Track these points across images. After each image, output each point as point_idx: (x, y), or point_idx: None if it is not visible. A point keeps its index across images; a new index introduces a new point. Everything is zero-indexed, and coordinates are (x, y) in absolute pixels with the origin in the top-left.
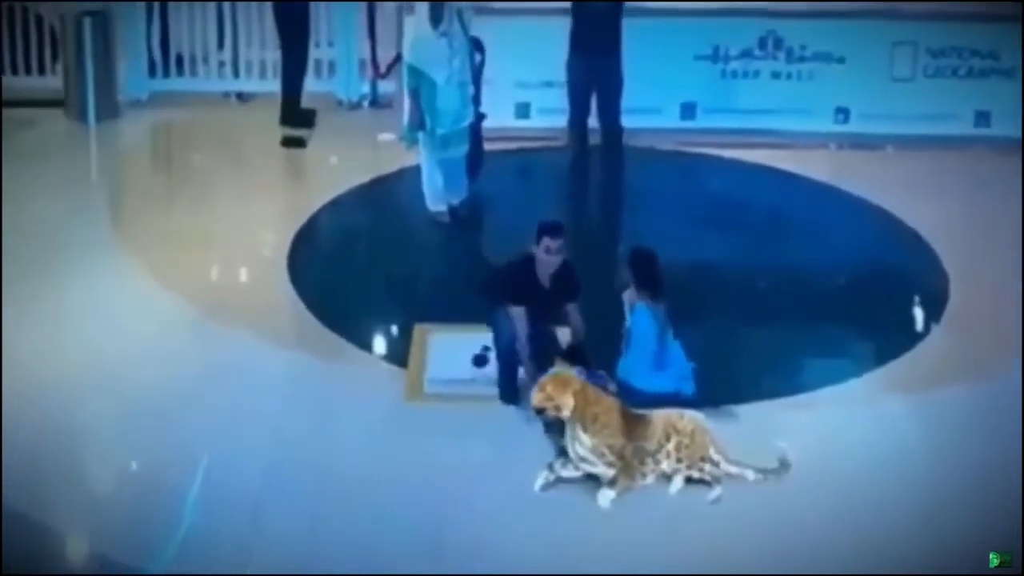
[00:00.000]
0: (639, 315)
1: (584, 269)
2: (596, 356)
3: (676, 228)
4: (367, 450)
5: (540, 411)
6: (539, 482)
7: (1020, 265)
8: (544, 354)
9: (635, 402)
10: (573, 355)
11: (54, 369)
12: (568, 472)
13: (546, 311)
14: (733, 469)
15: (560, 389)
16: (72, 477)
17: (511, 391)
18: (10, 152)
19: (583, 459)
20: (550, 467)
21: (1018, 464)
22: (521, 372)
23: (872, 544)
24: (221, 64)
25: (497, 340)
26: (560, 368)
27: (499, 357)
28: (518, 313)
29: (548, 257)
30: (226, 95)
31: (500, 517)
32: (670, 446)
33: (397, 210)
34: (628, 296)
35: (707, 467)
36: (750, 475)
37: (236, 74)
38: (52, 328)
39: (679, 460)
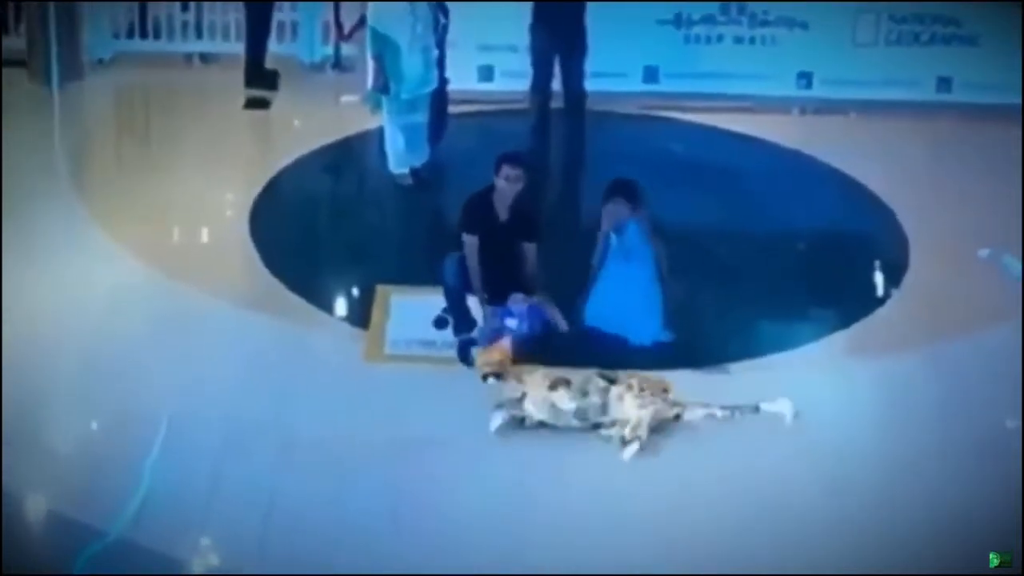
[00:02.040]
0: (631, 233)
1: (546, 231)
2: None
3: None
4: (327, 410)
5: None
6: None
7: (979, 230)
8: (497, 284)
9: (605, 351)
10: (523, 285)
11: (15, 331)
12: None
13: (503, 244)
14: (701, 410)
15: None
16: (32, 437)
17: (465, 321)
18: None
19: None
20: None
21: (986, 436)
22: (472, 303)
23: (841, 520)
24: (185, 25)
25: (444, 275)
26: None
27: (445, 288)
28: (471, 241)
29: (507, 185)
30: (189, 56)
31: (459, 477)
32: (632, 381)
33: (359, 172)
34: (610, 217)
35: (670, 397)
36: (718, 412)
37: (200, 35)
38: (13, 290)
39: (642, 389)
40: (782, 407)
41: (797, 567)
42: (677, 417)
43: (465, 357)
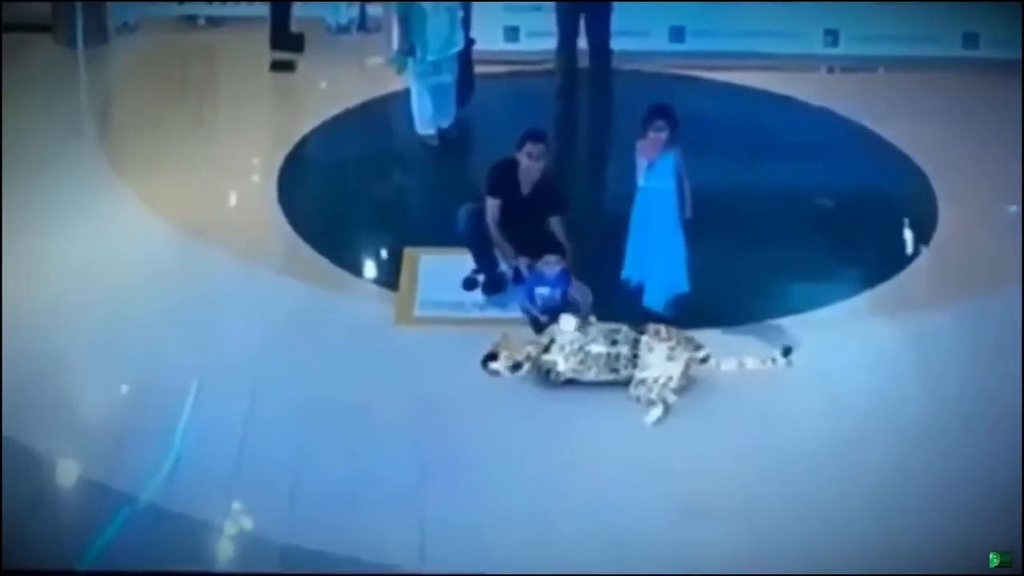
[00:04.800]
0: (665, 165)
1: (572, 190)
2: (584, 273)
3: None
4: (357, 374)
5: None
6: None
7: (1008, 187)
8: (524, 241)
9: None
10: (552, 247)
11: (44, 295)
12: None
13: (527, 218)
14: (732, 361)
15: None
16: (61, 402)
17: (492, 272)
18: None
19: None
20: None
21: (1012, 398)
22: (499, 257)
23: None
24: None
25: (457, 225)
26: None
27: (462, 238)
28: (493, 203)
29: (530, 162)
30: (192, 19)
31: (488, 440)
32: (661, 328)
33: (386, 134)
34: (647, 150)
35: (701, 347)
36: (749, 363)
37: None
38: (42, 254)
39: (671, 338)
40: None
41: (813, 528)
42: (704, 360)
43: (491, 290)
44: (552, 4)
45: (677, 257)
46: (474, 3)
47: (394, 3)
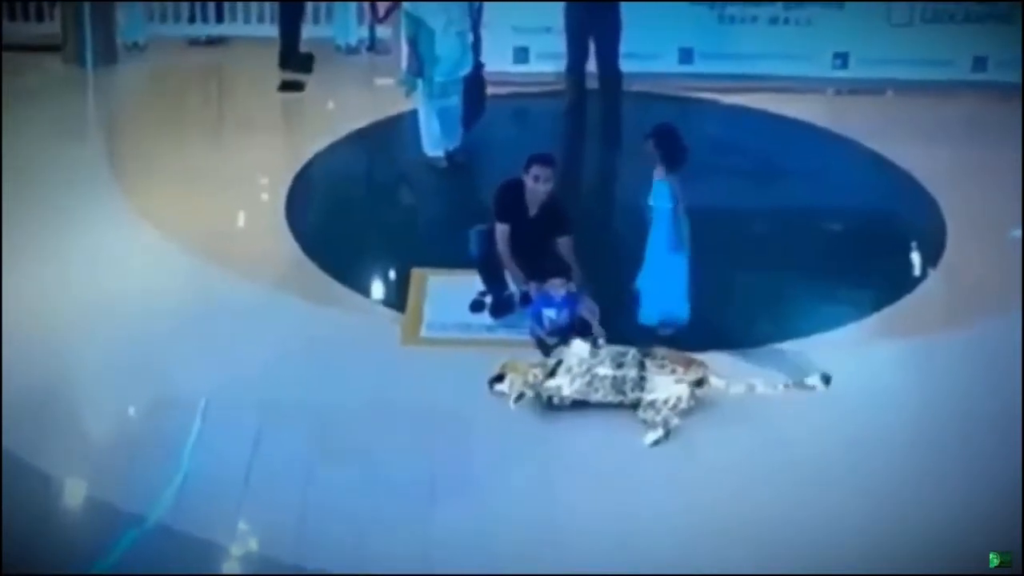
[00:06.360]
0: (665, 186)
1: (580, 211)
2: (591, 293)
3: None
4: (364, 394)
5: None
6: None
7: (1017, 210)
8: (532, 273)
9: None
10: (559, 269)
11: (50, 312)
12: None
13: (534, 240)
14: (742, 385)
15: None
16: (67, 421)
17: (500, 296)
18: (8, 97)
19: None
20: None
21: (1015, 413)
22: (509, 279)
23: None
24: (219, 8)
25: (470, 248)
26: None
27: (473, 260)
28: (503, 229)
29: (536, 185)
30: (195, 40)
31: (494, 460)
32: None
33: (394, 155)
34: (658, 170)
35: (708, 370)
36: (759, 387)
37: (234, 18)
38: (48, 272)
39: (675, 358)
40: (817, 381)
41: (815, 528)
42: (712, 383)
43: (498, 312)
44: (562, 26)
45: (675, 280)
46: (484, 24)
47: (403, 24)
